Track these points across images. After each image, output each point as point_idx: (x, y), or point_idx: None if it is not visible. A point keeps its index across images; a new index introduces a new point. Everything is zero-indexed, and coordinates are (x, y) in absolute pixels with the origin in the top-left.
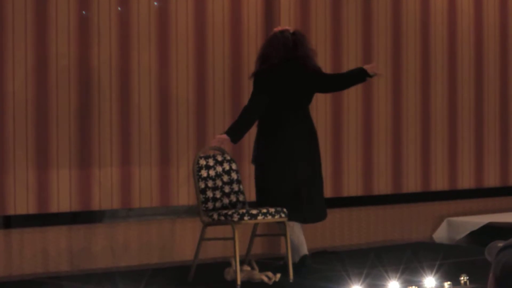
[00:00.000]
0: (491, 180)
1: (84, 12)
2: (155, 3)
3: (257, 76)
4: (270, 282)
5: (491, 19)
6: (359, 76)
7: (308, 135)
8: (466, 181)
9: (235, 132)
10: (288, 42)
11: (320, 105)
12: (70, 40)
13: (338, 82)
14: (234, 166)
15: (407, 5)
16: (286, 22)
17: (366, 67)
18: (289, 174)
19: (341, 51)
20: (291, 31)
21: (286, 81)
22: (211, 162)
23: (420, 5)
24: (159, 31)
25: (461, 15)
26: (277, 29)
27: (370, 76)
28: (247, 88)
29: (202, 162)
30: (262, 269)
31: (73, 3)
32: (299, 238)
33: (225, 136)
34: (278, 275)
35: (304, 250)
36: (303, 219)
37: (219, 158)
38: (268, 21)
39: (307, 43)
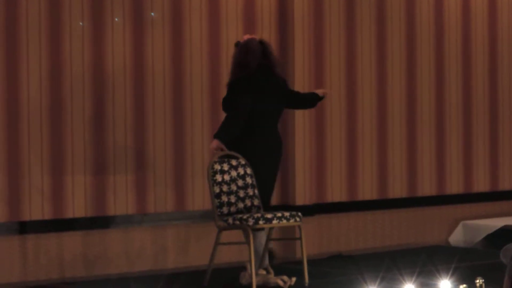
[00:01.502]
0: (506, 183)
1: (152, 14)
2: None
3: (238, 82)
4: (286, 286)
5: (504, 22)
6: (314, 100)
7: (276, 144)
8: (481, 184)
9: (229, 136)
10: (259, 50)
11: (335, 109)
12: (84, 46)
13: (305, 103)
14: (248, 171)
15: (420, 10)
16: (300, 29)
17: (317, 91)
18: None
19: (355, 56)
20: (257, 39)
21: (263, 89)
22: (225, 167)
23: (434, 10)
24: (173, 38)
25: (475, 18)
26: (246, 36)
27: (321, 99)
28: None
29: (217, 166)
30: (277, 273)
31: (86, 10)
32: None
33: (217, 142)
34: (294, 279)
35: (267, 261)
36: None
37: (234, 162)
38: (281, 29)
39: (273, 52)
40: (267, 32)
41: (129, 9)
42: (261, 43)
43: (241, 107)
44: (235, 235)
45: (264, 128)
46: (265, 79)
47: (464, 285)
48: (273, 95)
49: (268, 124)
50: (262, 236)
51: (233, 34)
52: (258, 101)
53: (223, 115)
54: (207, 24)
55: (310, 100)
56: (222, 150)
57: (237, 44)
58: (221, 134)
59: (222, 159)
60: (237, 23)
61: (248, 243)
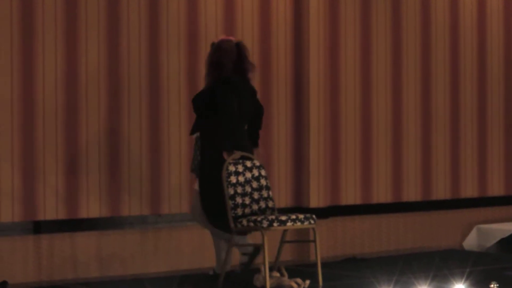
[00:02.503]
0: None
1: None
2: None
3: (220, 85)
4: None
5: None
6: (254, 142)
7: (246, 149)
8: (496, 188)
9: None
10: (234, 52)
11: (349, 112)
12: (100, 46)
13: (253, 127)
14: (263, 172)
15: (436, 13)
16: (316, 29)
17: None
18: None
19: (371, 59)
20: (235, 41)
21: (240, 93)
22: (240, 168)
23: (449, 14)
24: (188, 36)
25: (490, 21)
26: (222, 37)
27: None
28: (276, 97)
29: (232, 168)
30: (291, 275)
31: (103, 10)
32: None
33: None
34: (308, 282)
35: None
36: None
37: (248, 164)
38: (297, 30)
39: (248, 56)
40: (282, 37)
41: (145, 7)
42: (238, 45)
43: (228, 110)
44: (249, 236)
45: (234, 135)
46: (242, 83)
47: None
48: (248, 101)
49: (240, 130)
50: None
51: (248, 37)
52: (235, 104)
53: None
54: (222, 25)
55: (253, 132)
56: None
57: (213, 45)
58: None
59: (237, 161)
60: (252, 26)
61: (262, 245)
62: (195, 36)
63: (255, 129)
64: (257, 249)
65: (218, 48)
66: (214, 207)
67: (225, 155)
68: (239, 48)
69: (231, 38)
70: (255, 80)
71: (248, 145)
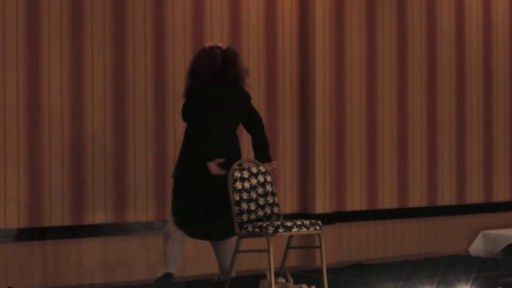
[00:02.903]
0: None
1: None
2: None
3: (192, 92)
4: None
5: None
6: (264, 156)
7: (230, 154)
8: (501, 194)
9: (212, 152)
10: (217, 58)
11: (355, 117)
12: (105, 50)
13: (252, 134)
14: (268, 179)
15: (441, 16)
16: (321, 36)
17: (273, 163)
18: (200, 193)
19: (376, 63)
20: (224, 48)
21: (218, 99)
22: (246, 174)
23: (455, 17)
24: (193, 41)
25: (496, 27)
26: (207, 44)
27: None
28: (282, 104)
29: (237, 174)
30: (297, 281)
31: (108, 13)
32: (177, 251)
33: (213, 164)
34: None
35: (173, 269)
36: (203, 235)
37: (254, 170)
38: (303, 37)
39: (238, 61)
40: (288, 39)
41: (150, 7)
42: (226, 51)
43: (197, 119)
44: (255, 242)
45: (215, 139)
46: (223, 89)
47: None
48: (232, 108)
49: (220, 133)
50: (223, 246)
51: (254, 42)
52: (212, 111)
53: None
54: (228, 29)
55: (259, 144)
56: (221, 165)
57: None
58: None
59: (242, 167)
60: (258, 31)
61: (268, 251)
62: (200, 41)
63: (257, 140)
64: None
65: (196, 57)
66: (183, 210)
67: (211, 167)
68: (227, 54)
69: (218, 44)
70: (261, 87)
71: (234, 152)
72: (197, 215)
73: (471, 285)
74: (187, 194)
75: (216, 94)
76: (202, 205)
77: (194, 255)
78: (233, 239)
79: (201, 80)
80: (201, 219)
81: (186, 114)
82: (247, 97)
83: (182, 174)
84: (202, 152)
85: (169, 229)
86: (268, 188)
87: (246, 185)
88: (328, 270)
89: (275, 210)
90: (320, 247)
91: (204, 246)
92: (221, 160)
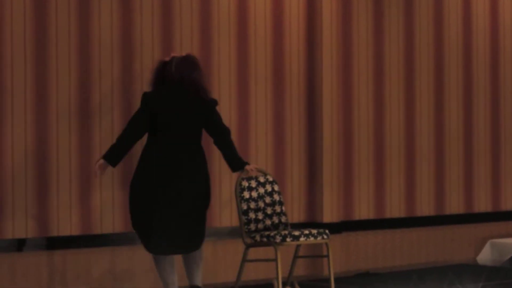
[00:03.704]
0: None
1: None
2: None
3: (144, 97)
4: None
5: None
6: (237, 164)
7: (186, 162)
8: (509, 203)
9: (114, 156)
10: (170, 66)
11: (362, 126)
12: (113, 58)
13: (220, 145)
14: (276, 188)
15: (449, 25)
16: (328, 38)
17: (247, 168)
18: (162, 202)
19: (384, 71)
20: (183, 54)
21: (172, 104)
22: (253, 184)
23: (462, 26)
24: (200, 44)
25: (503, 34)
26: (172, 54)
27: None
28: (289, 112)
29: (245, 183)
30: None
31: (116, 19)
32: (170, 272)
33: (101, 161)
34: None
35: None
36: (163, 250)
37: (262, 179)
38: (310, 43)
39: (197, 68)
40: (295, 49)
41: (158, 15)
42: (185, 59)
43: (131, 126)
44: (262, 252)
45: (168, 145)
46: (178, 94)
47: None
48: (180, 112)
49: (175, 141)
50: (165, 262)
51: (261, 52)
52: (163, 117)
53: (251, 129)
54: (235, 35)
55: (229, 155)
56: (103, 169)
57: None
58: (107, 154)
59: (250, 176)
60: (265, 41)
61: (275, 260)
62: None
63: (225, 151)
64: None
65: (155, 68)
66: (140, 223)
67: (99, 163)
68: (184, 62)
69: (175, 54)
70: (268, 94)
71: (191, 161)
72: (160, 226)
73: None
74: (146, 205)
75: (168, 97)
76: (165, 215)
77: (202, 264)
78: (202, 249)
79: (157, 87)
80: (166, 230)
81: (137, 121)
82: (207, 104)
83: (138, 184)
84: (148, 159)
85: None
86: (276, 197)
87: (254, 194)
88: (336, 279)
89: (283, 219)
90: (327, 256)
91: (211, 256)
92: (101, 162)
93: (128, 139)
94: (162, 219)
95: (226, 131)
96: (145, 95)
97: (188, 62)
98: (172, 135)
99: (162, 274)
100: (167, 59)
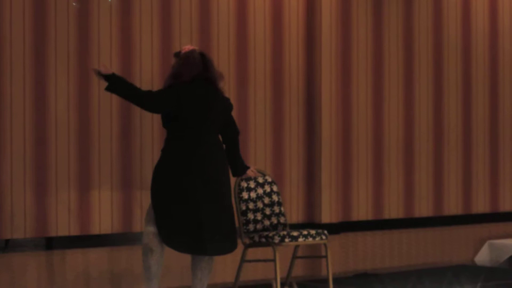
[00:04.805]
0: None
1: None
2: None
3: (170, 88)
4: None
5: None
6: (239, 169)
7: (213, 159)
8: (508, 204)
9: (118, 81)
10: (199, 62)
11: (361, 127)
12: (112, 59)
13: (230, 146)
14: (275, 188)
15: (448, 25)
16: (328, 38)
17: (248, 171)
18: (187, 200)
19: (383, 71)
20: (198, 51)
21: (198, 98)
22: (252, 184)
23: (461, 26)
24: (199, 45)
25: (502, 35)
26: (187, 47)
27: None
28: (288, 113)
29: (243, 184)
30: None
31: (115, 20)
32: (160, 266)
33: (110, 70)
34: None
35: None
36: (200, 250)
37: (260, 180)
38: (309, 44)
39: (214, 66)
40: (294, 52)
41: (157, 7)
42: (202, 55)
43: (148, 96)
44: (261, 252)
45: (192, 139)
46: (203, 90)
47: None
48: (211, 107)
49: (198, 135)
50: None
51: (261, 56)
52: (187, 109)
53: (250, 125)
54: (234, 33)
55: (235, 156)
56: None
57: (177, 55)
58: (117, 76)
59: (248, 177)
60: (265, 42)
61: (274, 260)
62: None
63: (234, 152)
64: None
65: (184, 60)
66: (169, 224)
67: (106, 66)
68: (204, 58)
69: (194, 47)
70: (267, 95)
71: (217, 158)
72: (190, 227)
73: None
74: (172, 206)
75: (200, 92)
76: (194, 216)
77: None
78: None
79: (183, 81)
80: (195, 231)
81: (161, 102)
82: (229, 102)
83: (165, 186)
84: (182, 159)
85: (149, 243)
86: (275, 198)
87: (253, 195)
88: (334, 280)
89: (282, 220)
90: (326, 256)
91: None
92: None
93: (138, 94)
94: (208, 214)
95: (238, 132)
96: (177, 85)
97: (209, 58)
98: (196, 132)
99: (153, 264)
100: (187, 49)
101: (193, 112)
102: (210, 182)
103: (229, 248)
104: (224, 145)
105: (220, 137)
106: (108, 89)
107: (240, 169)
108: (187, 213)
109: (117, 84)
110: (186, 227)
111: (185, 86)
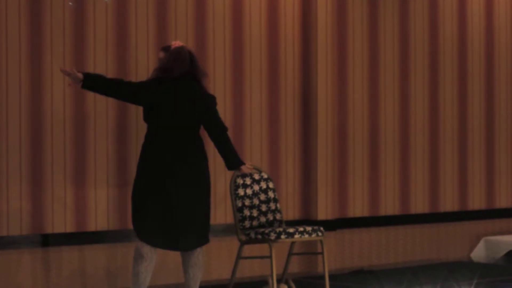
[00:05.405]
0: None
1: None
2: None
3: (155, 81)
4: None
5: None
6: (233, 163)
7: (189, 157)
8: (503, 200)
9: (92, 80)
10: (188, 59)
11: (357, 124)
12: (107, 57)
13: (217, 142)
14: (271, 185)
15: (444, 21)
16: (323, 36)
17: (243, 168)
18: (160, 195)
19: (378, 68)
20: (186, 48)
21: (180, 94)
22: (248, 181)
23: (457, 22)
24: (195, 43)
25: (498, 33)
26: (176, 43)
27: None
28: (284, 110)
29: (239, 180)
30: (299, 287)
31: (110, 18)
32: (150, 273)
33: (80, 75)
34: None
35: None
36: (173, 246)
37: (256, 176)
38: (305, 42)
39: (199, 63)
40: (290, 50)
41: (152, 8)
42: (190, 52)
43: (128, 87)
44: (257, 249)
45: (170, 135)
46: (189, 86)
47: None
48: (194, 104)
49: (177, 132)
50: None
51: (256, 54)
52: (171, 105)
53: (246, 121)
54: (230, 31)
55: (227, 152)
56: (74, 78)
57: (166, 49)
58: (89, 74)
59: (244, 173)
60: (260, 39)
61: (270, 257)
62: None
63: (223, 148)
64: None
65: (175, 56)
66: (146, 221)
67: (76, 72)
68: (191, 55)
69: (182, 44)
70: (263, 92)
71: (192, 157)
72: (164, 224)
73: None
74: (146, 202)
75: (186, 89)
76: (167, 212)
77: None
78: (201, 253)
79: (172, 76)
80: (170, 228)
81: (143, 95)
82: (214, 99)
83: (142, 182)
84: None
85: (140, 248)
86: (271, 194)
87: (249, 191)
88: (331, 277)
89: (278, 216)
90: (322, 253)
91: (206, 252)
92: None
93: (116, 86)
94: (177, 215)
95: (224, 128)
96: (163, 78)
97: (194, 55)
98: (175, 129)
99: (144, 270)
100: (177, 45)
101: (175, 108)
102: (182, 179)
103: (200, 242)
104: (213, 142)
105: (205, 134)
106: (85, 85)
107: (233, 163)
108: (160, 209)
109: (93, 81)
110: (159, 222)
111: (173, 81)
